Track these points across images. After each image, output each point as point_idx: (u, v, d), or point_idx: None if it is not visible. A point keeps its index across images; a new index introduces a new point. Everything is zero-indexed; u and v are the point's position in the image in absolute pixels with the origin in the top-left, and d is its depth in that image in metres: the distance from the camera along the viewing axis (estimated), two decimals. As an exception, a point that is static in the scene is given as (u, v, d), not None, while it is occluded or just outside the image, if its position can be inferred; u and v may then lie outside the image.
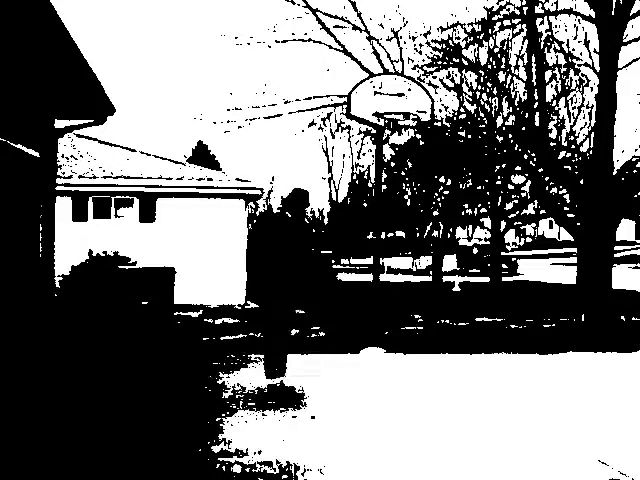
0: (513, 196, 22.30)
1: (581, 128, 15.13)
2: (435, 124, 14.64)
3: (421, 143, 19.64)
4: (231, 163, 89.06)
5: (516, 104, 14.73)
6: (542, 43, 13.75)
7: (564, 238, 68.89)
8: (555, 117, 14.76)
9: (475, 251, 36.51)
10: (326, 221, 64.59)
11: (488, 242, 34.77)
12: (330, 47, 14.22)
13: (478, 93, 15.75)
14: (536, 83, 13.82)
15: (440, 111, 15.00)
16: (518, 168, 15.60)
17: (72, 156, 18.27)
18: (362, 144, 44.52)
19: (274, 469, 4.25)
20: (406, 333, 10.82)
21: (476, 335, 10.56)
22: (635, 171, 12.93)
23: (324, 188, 60.03)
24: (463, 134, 15.21)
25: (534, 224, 74.48)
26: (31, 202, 8.22)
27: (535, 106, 13.86)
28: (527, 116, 13.99)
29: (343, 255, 53.88)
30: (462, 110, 15.46)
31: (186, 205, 17.31)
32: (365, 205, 54.96)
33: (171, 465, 4.31)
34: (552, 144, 13.98)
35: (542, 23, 13.79)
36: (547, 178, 15.02)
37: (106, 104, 8.87)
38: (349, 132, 21.02)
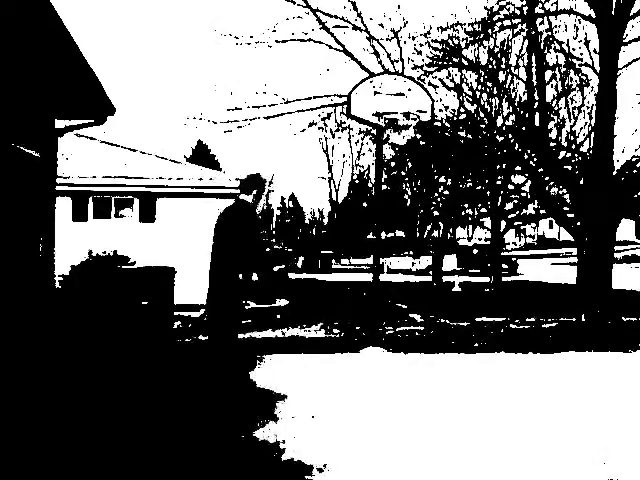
0: (513, 196, 22.27)
1: (581, 128, 15.13)
2: (435, 124, 14.63)
3: (421, 143, 19.62)
4: (231, 163, 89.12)
5: (516, 104, 14.73)
6: (542, 43, 13.74)
7: (564, 238, 68.87)
8: (555, 117, 14.75)
9: (475, 251, 36.50)
10: (326, 221, 64.60)
11: (488, 242, 34.75)
12: (330, 47, 14.20)
13: (478, 93, 15.75)
14: (536, 83, 13.81)
15: (440, 111, 14.99)
16: (518, 168, 15.59)
17: (72, 156, 18.26)
18: (362, 144, 44.57)
19: (275, 469, 4.25)
20: (406, 333, 10.82)
21: (476, 335, 10.55)
22: (635, 171, 12.92)
23: (324, 188, 60.13)
24: (463, 134, 15.20)
25: (534, 224, 74.45)
26: (31, 202, 8.21)
27: (535, 106, 13.85)
28: (527, 116, 13.98)
29: (343, 255, 53.87)
30: (462, 110, 15.45)
31: (186, 205, 17.30)
32: (365, 205, 54.97)
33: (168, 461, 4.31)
34: (552, 144, 13.97)
35: (542, 23, 13.78)
36: (547, 178, 15.01)
37: (106, 104, 8.87)
38: (349, 132, 21.04)
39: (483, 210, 25.83)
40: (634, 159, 13.08)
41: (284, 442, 4.80)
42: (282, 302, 17.56)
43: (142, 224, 17.08)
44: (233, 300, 6.23)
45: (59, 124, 9.42)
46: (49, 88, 8.47)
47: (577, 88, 15.06)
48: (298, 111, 14.13)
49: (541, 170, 14.26)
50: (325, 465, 4.32)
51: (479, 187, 22.16)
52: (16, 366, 7.03)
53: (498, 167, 17.01)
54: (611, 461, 4.49)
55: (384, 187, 30.46)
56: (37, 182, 8.42)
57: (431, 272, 27.46)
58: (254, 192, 6.45)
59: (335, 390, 6.57)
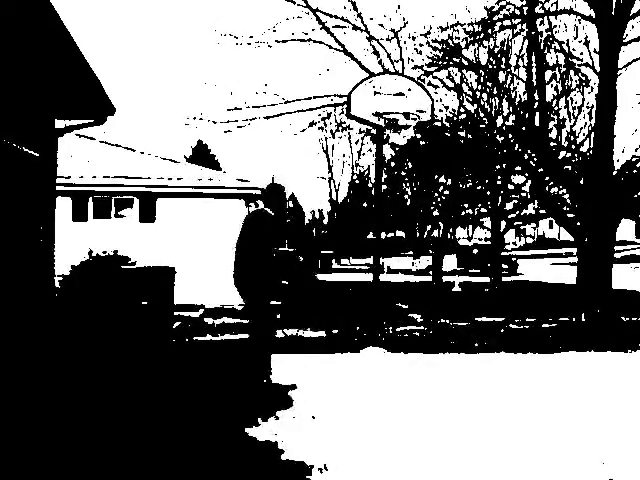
0: (513, 196, 22.29)
1: (581, 128, 15.13)
2: (435, 124, 14.63)
3: (421, 143, 19.63)
4: (231, 163, 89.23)
5: (516, 104, 14.73)
6: (542, 43, 13.74)
7: (564, 238, 68.88)
8: (555, 117, 14.76)
9: (475, 251, 36.51)
10: (326, 221, 64.62)
11: (488, 242, 34.76)
12: (330, 47, 14.21)
13: (478, 93, 15.76)
14: (536, 83, 13.82)
15: (440, 111, 14.99)
16: (518, 168, 15.59)
17: (72, 156, 18.26)
18: (362, 144, 44.55)
19: (275, 468, 4.25)
20: (406, 333, 10.82)
21: (476, 335, 10.56)
22: (635, 171, 12.93)
23: (324, 188, 60.15)
24: (463, 134, 15.20)
25: (534, 224, 74.47)
26: (31, 202, 8.21)
27: (535, 106, 13.86)
28: (527, 116, 13.98)
29: (343, 255, 53.88)
30: (462, 110, 15.46)
31: (186, 205, 17.32)
32: (365, 205, 54.97)
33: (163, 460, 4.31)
34: (552, 144, 13.98)
35: (542, 23, 13.79)
36: (547, 178, 15.01)
37: (106, 104, 8.88)
38: (349, 132, 21.03)
39: (483, 210, 25.85)
40: (634, 159, 13.09)
41: (284, 442, 4.80)
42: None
43: (142, 224, 17.10)
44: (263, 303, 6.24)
45: (59, 124, 9.43)
46: (49, 88, 8.47)
47: (577, 88, 15.06)
48: (298, 111, 14.15)
49: (541, 170, 14.27)
50: (325, 465, 4.33)
51: (479, 187, 22.18)
52: (17, 365, 7.03)
53: (498, 167, 17.02)
54: (611, 461, 4.49)
55: (384, 187, 30.44)
56: (37, 182, 8.42)
57: (431, 272, 27.48)
58: (277, 204, 6.45)
59: (335, 390, 6.57)
